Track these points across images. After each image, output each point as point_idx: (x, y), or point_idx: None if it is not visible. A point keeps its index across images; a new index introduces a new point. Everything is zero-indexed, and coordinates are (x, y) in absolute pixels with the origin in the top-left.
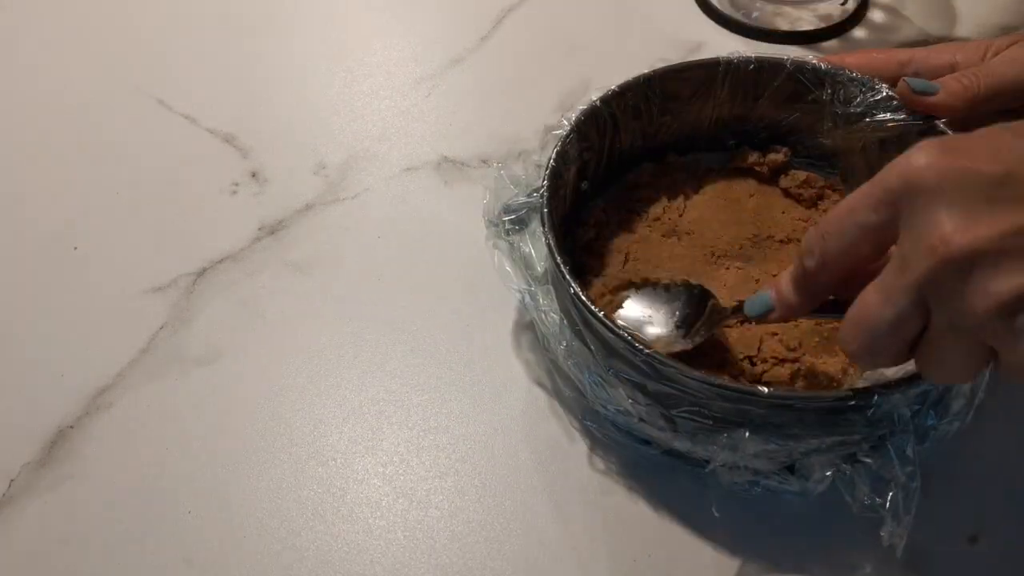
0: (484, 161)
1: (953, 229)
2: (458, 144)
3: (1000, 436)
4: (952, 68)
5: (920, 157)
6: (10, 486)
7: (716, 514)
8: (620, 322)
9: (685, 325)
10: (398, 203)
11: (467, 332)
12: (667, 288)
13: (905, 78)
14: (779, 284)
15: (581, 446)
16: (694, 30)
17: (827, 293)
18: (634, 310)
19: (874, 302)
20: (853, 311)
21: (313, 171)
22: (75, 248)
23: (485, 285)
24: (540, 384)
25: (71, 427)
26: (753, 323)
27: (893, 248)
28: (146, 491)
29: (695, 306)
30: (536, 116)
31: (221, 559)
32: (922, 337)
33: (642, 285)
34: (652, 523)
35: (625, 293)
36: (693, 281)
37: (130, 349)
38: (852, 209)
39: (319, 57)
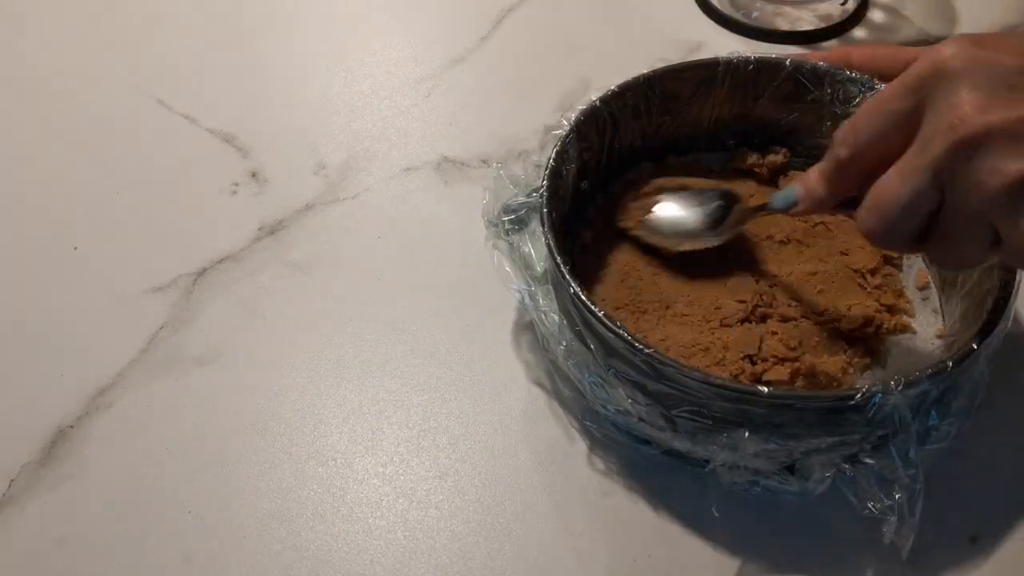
0: (484, 161)
1: (972, 109)
2: (458, 144)
3: (1001, 436)
4: None
5: (948, 47)
6: (10, 486)
7: (716, 514)
8: (652, 219)
9: (714, 224)
10: (398, 203)
11: (467, 332)
12: (700, 192)
13: None
14: (806, 177)
15: (581, 446)
16: (694, 30)
17: (854, 186)
18: (666, 210)
19: (893, 180)
20: (873, 190)
21: (313, 171)
22: (75, 248)
23: (485, 285)
24: (540, 384)
25: (71, 427)
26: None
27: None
28: (146, 491)
29: (723, 208)
30: (536, 116)
31: (221, 559)
32: (934, 221)
33: (675, 189)
34: (652, 523)
35: (657, 198)
36: (722, 185)
37: (130, 349)
38: (883, 98)
39: (319, 57)
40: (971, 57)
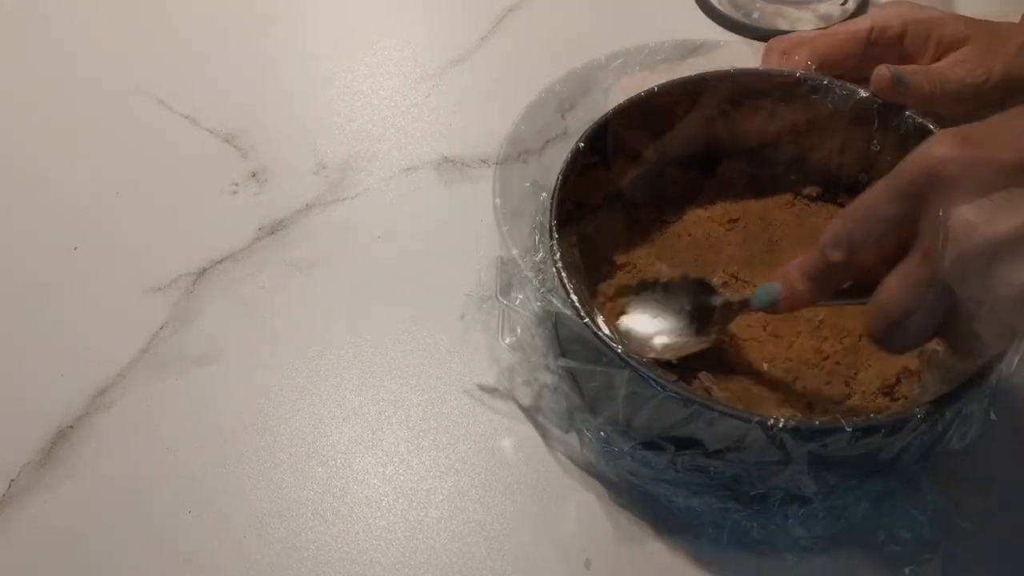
0: (484, 161)
1: (975, 220)
2: (458, 144)
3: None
4: (902, 35)
5: (939, 148)
6: (10, 486)
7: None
8: (624, 329)
9: (695, 322)
10: (398, 203)
11: (467, 332)
12: (666, 287)
13: (889, 68)
14: (788, 275)
15: (585, 446)
16: (694, 30)
17: (841, 284)
18: (638, 318)
19: (899, 292)
20: (879, 300)
21: (313, 171)
22: (75, 248)
23: (486, 285)
24: (541, 384)
25: (71, 427)
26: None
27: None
28: (146, 491)
29: (698, 300)
30: (536, 116)
31: (221, 559)
32: (950, 319)
33: (640, 288)
34: (659, 518)
35: (624, 300)
36: (691, 274)
37: (130, 349)
38: (874, 203)
39: (319, 57)
40: (964, 159)
